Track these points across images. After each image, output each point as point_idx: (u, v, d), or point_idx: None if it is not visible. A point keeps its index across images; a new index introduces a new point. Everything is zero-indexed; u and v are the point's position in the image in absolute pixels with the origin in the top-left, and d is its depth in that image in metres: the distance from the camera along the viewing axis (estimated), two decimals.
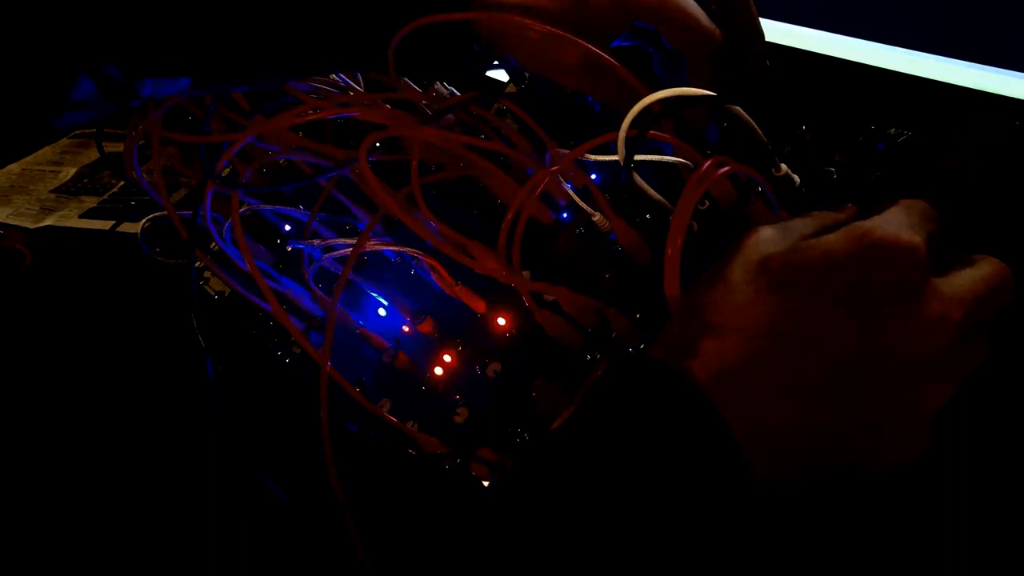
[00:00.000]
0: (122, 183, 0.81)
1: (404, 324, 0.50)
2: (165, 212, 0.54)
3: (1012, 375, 0.37)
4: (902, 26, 0.51)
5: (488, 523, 0.30)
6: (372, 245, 0.49)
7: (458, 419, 0.47)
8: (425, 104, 0.54)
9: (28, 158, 0.88)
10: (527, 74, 0.57)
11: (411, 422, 0.47)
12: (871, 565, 0.37)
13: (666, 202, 0.42)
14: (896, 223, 0.32)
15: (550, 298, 0.43)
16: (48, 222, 0.77)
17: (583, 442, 0.30)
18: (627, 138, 0.38)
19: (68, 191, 0.82)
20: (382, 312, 0.51)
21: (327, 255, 0.51)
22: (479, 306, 0.49)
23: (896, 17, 0.52)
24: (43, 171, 0.85)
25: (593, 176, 0.48)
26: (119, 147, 0.61)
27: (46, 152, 0.88)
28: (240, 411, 0.53)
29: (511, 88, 0.58)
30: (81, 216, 0.78)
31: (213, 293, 0.61)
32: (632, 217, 0.45)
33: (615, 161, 0.39)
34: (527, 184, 0.43)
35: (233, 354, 0.57)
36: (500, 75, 0.60)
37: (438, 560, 0.29)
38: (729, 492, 0.29)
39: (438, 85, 0.58)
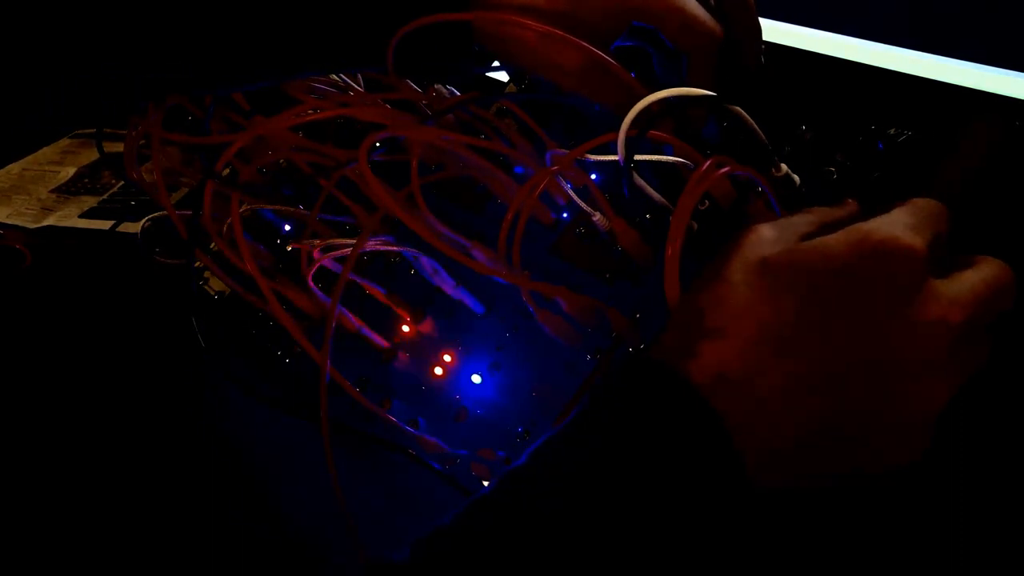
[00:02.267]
0: (122, 183, 0.81)
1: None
2: (165, 212, 0.54)
3: (1012, 375, 0.37)
4: (902, 26, 0.51)
5: (487, 521, 0.30)
6: (372, 245, 0.49)
7: (458, 419, 0.47)
8: (425, 104, 0.54)
9: (28, 158, 0.87)
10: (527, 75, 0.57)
11: (411, 422, 0.47)
12: (871, 565, 0.37)
13: (666, 202, 0.42)
14: (898, 224, 0.31)
15: (550, 298, 0.43)
16: (48, 222, 0.77)
17: (583, 442, 0.30)
18: (627, 138, 0.38)
19: (68, 191, 0.82)
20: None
21: (327, 255, 0.51)
22: (479, 306, 0.49)
23: (896, 17, 0.52)
24: (43, 171, 0.85)
25: (593, 176, 0.48)
26: (119, 147, 0.61)
27: (46, 152, 0.88)
28: (240, 412, 0.53)
29: (511, 88, 0.58)
30: (81, 216, 0.77)
31: (213, 293, 0.61)
32: (632, 217, 0.45)
33: (615, 161, 0.39)
34: (527, 184, 0.43)
35: (233, 354, 0.57)
36: (500, 75, 0.60)
37: (438, 560, 0.29)
38: (728, 494, 0.29)
39: (438, 85, 0.58)
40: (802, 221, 0.34)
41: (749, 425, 0.29)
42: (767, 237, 0.33)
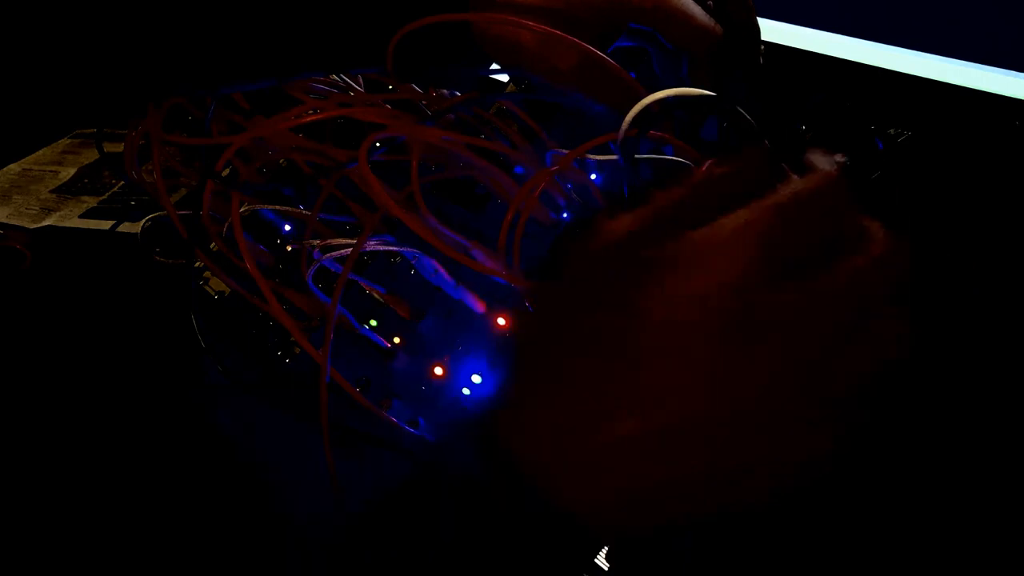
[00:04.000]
0: (122, 183, 0.81)
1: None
2: (165, 212, 0.54)
3: (1013, 375, 0.37)
4: (902, 26, 0.51)
5: (488, 523, 0.30)
6: (372, 245, 0.49)
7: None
8: (425, 104, 0.54)
9: (28, 158, 0.88)
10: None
11: (411, 422, 0.47)
12: (870, 565, 0.37)
13: None
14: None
15: None
16: (48, 222, 0.77)
17: None
18: (627, 138, 0.38)
19: (68, 191, 0.82)
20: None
21: (327, 255, 0.51)
22: (479, 306, 0.49)
23: (896, 17, 0.52)
24: (43, 171, 0.85)
25: (593, 176, 0.48)
26: (119, 147, 0.61)
27: (46, 152, 0.88)
28: (240, 412, 0.53)
29: (511, 88, 0.58)
30: (81, 216, 0.78)
31: (213, 293, 0.61)
32: None
33: (615, 161, 0.39)
34: (527, 184, 0.43)
35: (233, 354, 0.57)
36: (500, 75, 0.60)
37: (438, 561, 0.29)
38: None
39: None
40: None
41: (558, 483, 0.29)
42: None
